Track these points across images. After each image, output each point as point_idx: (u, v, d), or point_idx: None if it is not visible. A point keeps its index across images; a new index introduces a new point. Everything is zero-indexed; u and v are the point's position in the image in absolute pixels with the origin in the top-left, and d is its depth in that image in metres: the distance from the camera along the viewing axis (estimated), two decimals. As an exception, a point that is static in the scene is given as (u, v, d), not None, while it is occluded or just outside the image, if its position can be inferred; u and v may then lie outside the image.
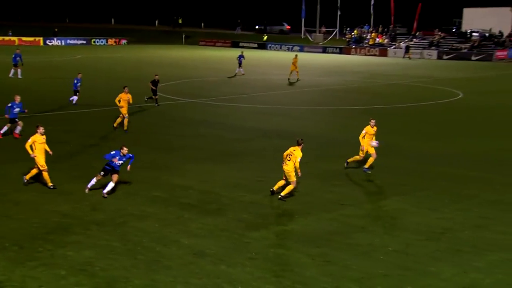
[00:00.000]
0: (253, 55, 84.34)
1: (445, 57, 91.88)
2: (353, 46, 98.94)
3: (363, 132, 26.45)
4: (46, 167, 22.44)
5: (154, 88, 40.57)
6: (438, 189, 24.43)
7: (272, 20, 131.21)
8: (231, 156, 29.59)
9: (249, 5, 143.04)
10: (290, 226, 19.96)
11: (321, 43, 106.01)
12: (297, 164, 22.30)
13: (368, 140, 26.44)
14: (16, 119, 30.64)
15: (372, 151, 26.42)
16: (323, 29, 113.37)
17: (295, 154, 22.51)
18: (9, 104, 30.47)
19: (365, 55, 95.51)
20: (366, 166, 26.68)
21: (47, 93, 48.52)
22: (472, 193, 23.78)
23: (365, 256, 17.45)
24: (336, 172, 26.72)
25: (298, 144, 22.72)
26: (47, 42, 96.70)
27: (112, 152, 22.36)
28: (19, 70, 55.23)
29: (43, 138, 22.55)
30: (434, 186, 24.83)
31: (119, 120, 33.54)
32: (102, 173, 22.11)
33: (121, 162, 22.25)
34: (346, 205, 22.05)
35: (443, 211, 21.63)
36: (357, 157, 25.98)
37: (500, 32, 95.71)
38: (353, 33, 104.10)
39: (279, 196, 22.60)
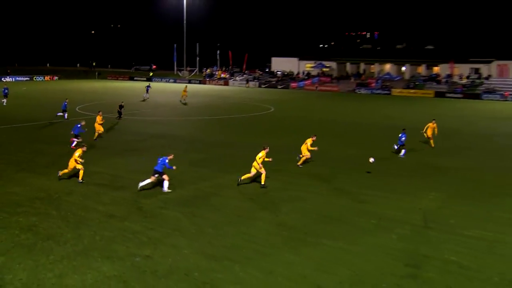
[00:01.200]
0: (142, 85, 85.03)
1: (262, 86, 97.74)
2: (207, 79, 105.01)
3: (307, 141, 27.17)
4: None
5: (119, 110, 43.73)
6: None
7: (154, 62, 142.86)
8: (132, 151, 31.03)
9: (140, 52, 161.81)
10: (171, 195, 21.24)
11: (187, 77, 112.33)
12: (259, 161, 22.54)
13: (305, 147, 27.03)
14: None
15: (306, 153, 27.03)
16: (188, 68, 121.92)
17: (258, 155, 22.91)
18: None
19: (215, 85, 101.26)
20: (299, 163, 27.29)
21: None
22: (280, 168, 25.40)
23: (217, 211, 19.41)
24: (199, 159, 28.46)
25: (263, 149, 23.09)
26: (2, 79, 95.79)
27: (162, 158, 21.92)
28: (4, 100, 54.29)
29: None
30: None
31: (96, 134, 33.82)
32: (156, 175, 21.74)
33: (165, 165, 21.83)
34: (205, 180, 23.51)
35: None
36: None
37: (291, 71, 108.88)
38: (207, 71, 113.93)
39: (261, 185, 22.79)
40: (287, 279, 13.91)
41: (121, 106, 44.28)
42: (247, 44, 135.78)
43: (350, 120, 49.38)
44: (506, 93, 78.63)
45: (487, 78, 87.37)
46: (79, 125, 31.29)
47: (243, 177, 23.19)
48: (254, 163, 22.95)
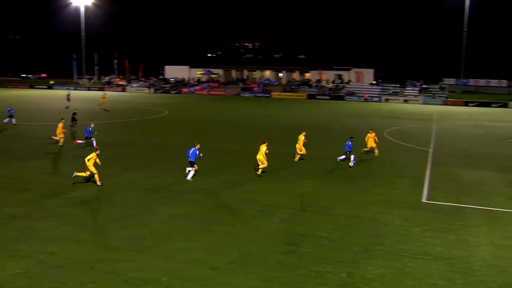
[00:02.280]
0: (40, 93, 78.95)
1: (157, 92, 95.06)
2: (106, 86, 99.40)
3: (300, 138, 27.55)
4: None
5: (74, 116, 39.64)
6: (151, 159, 25.63)
7: (54, 71, 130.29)
8: (38, 154, 29.01)
9: (39, 61, 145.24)
10: (74, 194, 20.40)
11: (87, 85, 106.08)
12: (263, 153, 23.69)
13: (301, 143, 27.49)
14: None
15: (303, 151, 27.53)
16: (87, 76, 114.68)
17: (261, 148, 23.94)
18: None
19: (114, 91, 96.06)
20: (296, 159, 27.83)
21: None
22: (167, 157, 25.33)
23: (118, 207, 18.95)
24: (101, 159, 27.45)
25: (264, 142, 24.21)
26: None
27: (192, 150, 22.69)
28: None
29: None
30: (149, 157, 25.78)
31: (57, 139, 31.67)
32: (195, 166, 22.82)
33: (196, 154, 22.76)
34: (107, 179, 22.20)
35: (158, 175, 23.06)
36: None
37: (183, 78, 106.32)
38: (105, 79, 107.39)
39: (258, 174, 24.02)
40: (183, 263, 13.91)
41: (74, 113, 40.46)
42: (143, 53, 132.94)
43: (236, 120, 49.81)
44: (365, 96, 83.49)
45: (347, 83, 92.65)
46: (89, 128, 31.19)
47: (259, 172, 24.18)
48: (259, 156, 23.69)
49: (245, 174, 24.62)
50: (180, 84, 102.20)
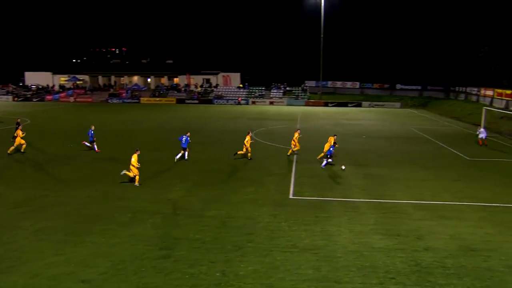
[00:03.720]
0: None
1: (17, 100, 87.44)
2: None
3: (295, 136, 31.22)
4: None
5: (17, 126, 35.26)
6: (13, 172, 24.58)
7: None
8: None
9: None
10: None
11: None
12: (247, 143, 29.78)
13: (296, 141, 31.05)
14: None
15: (298, 147, 31.29)
16: None
17: (247, 139, 29.94)
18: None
19: None
20: (289, 151, 31.36)
21: None
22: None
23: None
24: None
25: (248, 134, 30.54)
26: None
27: (185, 137, 29.11)
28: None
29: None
30: (10, 169, 24.39)
31: (24, 146, 30.95)
32: (186, 151, 29.19)
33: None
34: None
35: (23, 188, 21.94)
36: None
37: (48, 85, 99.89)
38: None
39: (249, 159, 29.98)
40: (52, 279, 13.11)
41: (18, 123, 36.26)
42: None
43: (105, 127, 47.51)
44: (239, 99, 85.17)
45: (216, 87, 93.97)
46: (91, 131, 32.10)
47: (239, 152, 30.38)
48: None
49: (116, 182, 23.87)
50: (43, 91, 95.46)
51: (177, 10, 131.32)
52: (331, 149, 28.93)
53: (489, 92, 72.12)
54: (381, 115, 67.03)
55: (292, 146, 31.38)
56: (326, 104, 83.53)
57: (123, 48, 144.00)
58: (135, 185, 23.13)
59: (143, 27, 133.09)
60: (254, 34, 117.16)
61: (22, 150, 31.18)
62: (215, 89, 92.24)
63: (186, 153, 29.53)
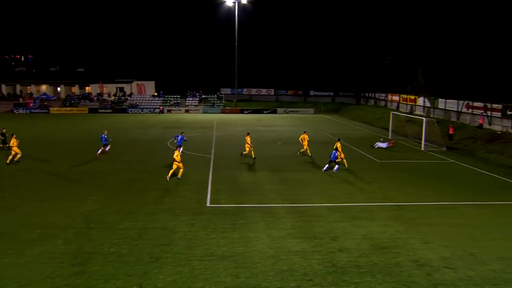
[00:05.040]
0: None
1: None
2: None
3: (302, 137, 35.85)
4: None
5: (2, 138, 38.18)
6: None
7: None
8: None
9: None
10: None
11: None
12: (249, 143, 33.46)
13: (305, 142, 35.42)
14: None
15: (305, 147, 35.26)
16: None
17: (247, 139, 33.77)
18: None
19: None
20: (303, 152, 35.67)
21: None
22: None
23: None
24: None
25: (248, 134, 34.77)
26: None
27: (180, 136, 33.19)
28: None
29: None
30: None
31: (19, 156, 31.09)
32: (181, 148, 31.91)
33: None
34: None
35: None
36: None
37: None
38: None
39: (253, 158, 33.52)
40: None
41: (3, 134, 38.46)
42: None
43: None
44: (160, 107, 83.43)
45: (130, 96, 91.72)
46: (104, 135, 34.73)
47: (244, 152, 33.75)
48: (247, 145, 33.18)
49: (22, 197, 22.53)
50: None
51: (88, 16, 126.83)
52: (335, 153, 30.08)
53: (396, 98, 76.65)
54: (296, 121, 68.76)
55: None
56: (242, 111, 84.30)
57: (29, 56, 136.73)
58: (178, 178, 26.56)
59: (51, 33, 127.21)
60: (169, 42, 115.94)
61: (16, 159, 31.32)
62: (129, 98, 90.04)
63: (181, 149, 32.55)
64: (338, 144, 32.30)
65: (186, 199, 22.67)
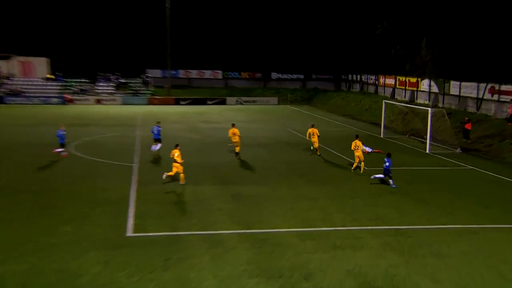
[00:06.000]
0: None
1: None
2: None
3: (310, 131, 40.22)
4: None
5: None
6: None
7: None
8: None
9: None
10: None
11: None
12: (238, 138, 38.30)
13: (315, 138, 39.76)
14: None
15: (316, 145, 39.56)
16: None
17: (236, 131, 38.22)
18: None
19: None
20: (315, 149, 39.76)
21: None
22: None
23: None
24: None
25: (233, 126, 39.05)
26: None
27: (157, 128, 39.09)
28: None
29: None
30: None
31: None
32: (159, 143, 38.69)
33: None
34: None
35: None
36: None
37: None
38: None
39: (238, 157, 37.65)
40: None
41: None
42: None
43: None
44: (67, 96, 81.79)
45: (8, 78, 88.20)
46: (62, 132, 37.55)
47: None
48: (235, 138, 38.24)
49: None
50: None
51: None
52: (388, 161, 30.20)
53: (390, 81, 78.00)
54: (254, 115, 69.12)
55: (315, 145, 39.71)
56: (177, 102, 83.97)
57: None
58: (181, 184, 29.25)
59: None
60: (68, 4, 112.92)
61: None
62: (7, 81, 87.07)
63: (159, 145, 38.37)
64: (358, 143, 33.72)
65: (98, 226, 22.29)
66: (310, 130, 40.78)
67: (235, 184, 30.00)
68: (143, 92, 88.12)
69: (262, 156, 39.39)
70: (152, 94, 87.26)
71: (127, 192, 27.85)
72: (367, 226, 22.72)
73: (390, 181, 30.27)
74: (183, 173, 29.56)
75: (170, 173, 29.68)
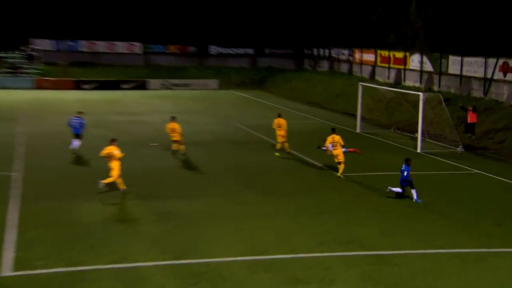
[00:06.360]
0: None
1: None
2: None
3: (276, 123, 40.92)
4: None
5: None
6: None
7: None
8: None
9: None
10: None
11: None
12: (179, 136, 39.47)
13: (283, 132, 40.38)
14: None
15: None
16: None
17: (176, 127, 39.44)
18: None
19: None
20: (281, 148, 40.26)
21: None
22: None
23: None
24: None
25: (172, 119, 40.09)
26: None
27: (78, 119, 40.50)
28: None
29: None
30: None
31: None
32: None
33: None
34: None
35: None
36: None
37: None
38: None
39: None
40: None
41: None
42: None
43: None
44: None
45: None
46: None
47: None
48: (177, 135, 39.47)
49: None
50: None
51: None
52: (406, 168, 30.27)
53: (369, 57, 78.65)
54: (187, 104, 69.43)
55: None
56: (78, 86, 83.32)
57: None
58: (122, 191, 30.18)
59: None
60: None
61: None
62: None
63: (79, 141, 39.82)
64: (337, 137, 35.02)
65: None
66: (276, 121, 41.38)
67: (161, 199, 29.96)
68: (26, 71, 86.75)
69: (199, 159, 39.45)
70: (41, 74, 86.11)
71: (3, 212, 27.32)
72: (340, 252, 22.87)
73: (414, 193, 30.24)
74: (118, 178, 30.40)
75: (107, 180, 30.18)
